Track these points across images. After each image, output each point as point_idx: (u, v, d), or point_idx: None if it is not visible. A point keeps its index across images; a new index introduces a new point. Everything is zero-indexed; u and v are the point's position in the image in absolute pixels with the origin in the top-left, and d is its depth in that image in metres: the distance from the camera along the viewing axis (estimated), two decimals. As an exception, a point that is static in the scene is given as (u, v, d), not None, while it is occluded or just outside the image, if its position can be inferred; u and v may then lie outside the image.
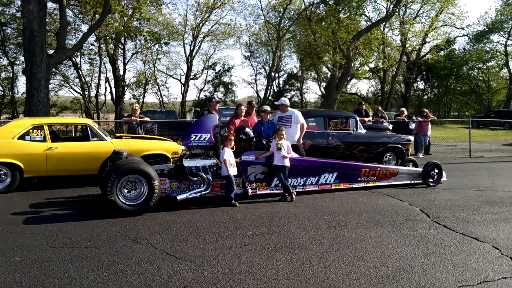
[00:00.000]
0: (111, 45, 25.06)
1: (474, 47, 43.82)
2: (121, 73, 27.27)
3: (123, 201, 6.00)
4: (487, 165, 11.96)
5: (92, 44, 26.10)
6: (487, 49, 43.53)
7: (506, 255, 4.47)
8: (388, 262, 4.23)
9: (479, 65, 44.59)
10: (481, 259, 4.35)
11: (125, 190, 6.10)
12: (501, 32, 42.09)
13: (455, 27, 36.79)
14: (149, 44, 25.84)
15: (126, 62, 28.30)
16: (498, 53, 43.92)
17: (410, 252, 4.54)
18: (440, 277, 3.87)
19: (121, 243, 4.86)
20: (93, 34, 22.80)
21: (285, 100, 8.71)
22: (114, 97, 27.54)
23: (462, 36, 42.81)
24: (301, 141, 8.42)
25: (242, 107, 8.30)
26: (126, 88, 27.59)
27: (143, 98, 32.49)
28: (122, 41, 26.44)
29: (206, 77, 37.21)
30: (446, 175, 8.90)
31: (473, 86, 46.16)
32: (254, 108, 8.96)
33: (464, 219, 5.89)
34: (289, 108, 8.63)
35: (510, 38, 42.10)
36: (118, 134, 10.70)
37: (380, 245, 4.78)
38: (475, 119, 31.14)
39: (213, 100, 8.21)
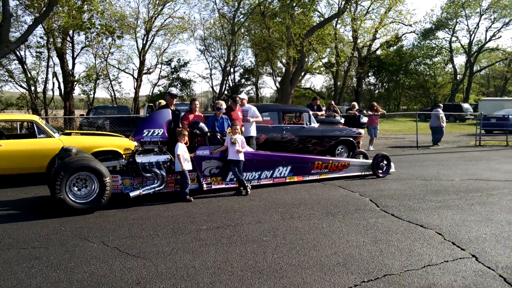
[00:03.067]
0: (59, 38, 24.05)
1: (421, 43, 45.73)
2: (70, 67, 26.26)
3: (73, 199, 5.83)
4: (432, 156, 12.56)
5: (41, 37, 24.98)
6: (433, 45, 45.55)
7: (449, 240, 4.73)
8: (339, 251, 4.37)
9: (426, 61, 46.60)
10: (425, 244, 4.58)
11: (75, 188, 5.93)
12: (446, 29, 44.15)
13: (403, 24, 38.24)
14: (101, 37, 25.06)
15: (75, 56, 27.30)
16: (443, 50, 46.06)
17: (360, 240, 4.72)
18: (387, 262, 4.05)
19: (71, 242, 4.73)
20: (41, 27, 21.83)
21: (244, 95, 9.13)
22: (62, 92, 26.49)
23: (410, 33, 44.71)
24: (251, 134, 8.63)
25: (196, 102, 8.25)
26: (75, 83, 26.61)
27: (94, 93, 31.48)
28: (71, 34, 25.45)
29: (160, 71, 36.57)
30: (395, 166, 9.27)
31: (420, 81, 48.18)
32: (239, 104, 9.00)
33: (411, 208, 6.18)
34: (246, 103, 8.85)
35: (455, 35, 44.28)
36: (67, 131, 10.33)
37: (332, 234, 4.93)
38: (422, 112, 32.56)
39: (168, 95, 8.07)
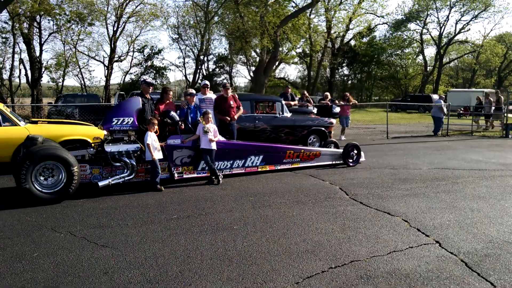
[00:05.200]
0: (25, 24, 23.18)
1: (393, 35, 46.37)
2: (37, 54, 25.41)
3: (39, 189, 5.70)
4: (402, 146, 12.83)
5: (6, 23, 24.07)
6: (405, 37, 46.26)
7: (414, 226, 4.87)
8: (308, 238, 4.44)
9: (397, 52, 47.33)
10: (392, 231, 4.70)
11: (41, 178, 5.79)
12: (417, 21, 44.90)
13: (376, 15, 38.61)
14: (70, 24, 24.32)
15: (42, 42, 26.43)
16: (414, 41, 46.86)
17: (329, 227, 4.79)
18: (355, 249, 4.13)
19: (37, 232, 4.63)
20: (6, 11, 21.01)
21: (206, 83, 9.08)
22: (30, 80, 25.66)
23: (382, 24, 45.04)
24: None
25: (170, 92, 8.15)
26: (43, 70, 25.80)
27: (63, 81, 30.66)
28: (38, 19, 24.60)
29: (132, 59, 35.81)
30: (365, 155, 9.43)
31: (392, 72, 48.94)
32: (229, 91, 8.88)
33: (379, 196, 6.31)
34: (208, 91, 8.88)
35: (425, 27, 45.09)
36: (33, 119, 10.03)
37: (301, 222, 5.00)
38: (393, 103, 33.15)
39: (144, 83, 7.88)
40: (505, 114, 17.23)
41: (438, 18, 44.29)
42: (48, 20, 24.29)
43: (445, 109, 16.39)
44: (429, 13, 43.83)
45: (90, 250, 4.10)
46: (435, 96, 35.00)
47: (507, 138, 15.56)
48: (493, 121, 18.47)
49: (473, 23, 44.34)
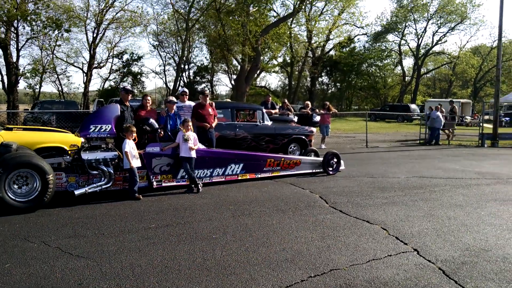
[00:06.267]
0: (2, 28, 22.75)
1: (373, 45, 47.21)
2: (14, 59, 24.92)
3: (13, 198, 5.55)
4: (381, 155, 12.98)
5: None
6: (384, 48, 47.12)
7: (392, 235, 4.89)
8: (288, 247, 4.41)
9: (377, 63, 48.16)
10: (371, 239, 4.71)
11: (15, 186, 5.63)
12: (396, 32, 45.83)
13: (356, 26, 39.33)
14: (47, 30, 23.95)
15: (19, 47, 25.95)
16: (393, 52, 47.78)
17: (308, 236, 4.78)
18: (334, 257, 4.13)
19: (10, 242, 4.48)
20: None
21: (185, 89, 9.09)
22: (6, 86, 25.11)
23: (362, 35, 45.85)
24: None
25: (148, 98, 8.08)
26: (20, 76, 25.29)
27: (40, 87, 30.14)
28: (15, 24, 24.16)
29: (111, 66, 35.47)
30: (344, 164, 9.49)
31: (371, 82, 49.71)
32: (208, 98, 8.81)
33: (358, 204, 6.34)
34: (186, 99, 8.85)
35: (404, 38, 46.04)
36: (8, 126, 9.78)
37: (281, 231, 4.97)
38: (372, 112, 33.61)
39: (122, 90, 7.84)
40: (481, 124, 17.65)
41: (416, 29, 45.41)
42: (24, 25, 23.90)
43: (442, 121, 16.74)
44: (407, 24, 44.86)
45: (64, 260, 3.99)
46: (413, 106, 35.70)
47: (482, 147, 15.91)
48: (453, 130, 18.84)
49: (449, 35, 45.66)
